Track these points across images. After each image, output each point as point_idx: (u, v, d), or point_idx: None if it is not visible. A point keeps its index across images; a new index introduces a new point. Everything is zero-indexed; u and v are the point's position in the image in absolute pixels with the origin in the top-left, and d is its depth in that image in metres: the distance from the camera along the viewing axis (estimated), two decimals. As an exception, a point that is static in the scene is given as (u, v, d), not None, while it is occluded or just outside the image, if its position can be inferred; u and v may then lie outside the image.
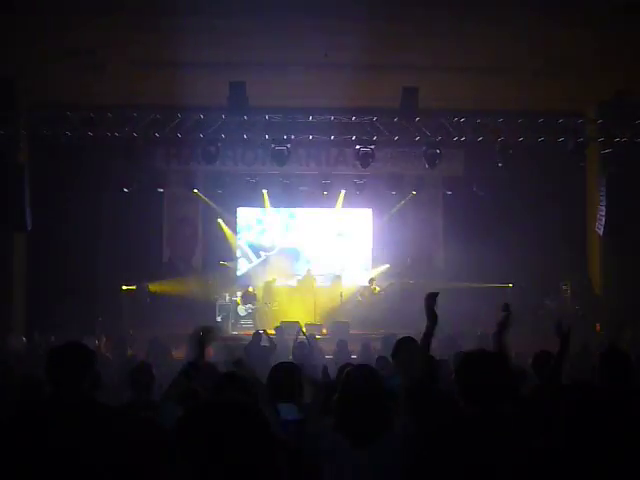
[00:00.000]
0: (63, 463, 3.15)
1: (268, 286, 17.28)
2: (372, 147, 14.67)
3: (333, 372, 5.52)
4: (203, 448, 1.59)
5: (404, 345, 4.80)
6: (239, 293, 17.14)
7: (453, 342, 10.42)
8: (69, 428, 3.24)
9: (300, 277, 17.84)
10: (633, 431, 3.13)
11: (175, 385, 3.98)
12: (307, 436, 3.42)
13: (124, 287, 16.70)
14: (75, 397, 3.40)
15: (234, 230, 18.62)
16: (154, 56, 13.18)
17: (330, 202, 18.21)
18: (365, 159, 14.82)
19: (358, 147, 14.80)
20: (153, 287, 16.84)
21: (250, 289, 17.05)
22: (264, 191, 17.93)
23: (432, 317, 3.98)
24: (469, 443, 2.92)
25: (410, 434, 3.26)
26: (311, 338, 12.62)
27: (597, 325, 14.94)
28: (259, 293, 17.20)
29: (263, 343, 11.12)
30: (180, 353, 11.70)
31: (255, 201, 18.21)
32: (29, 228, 14.33)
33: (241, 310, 16.68)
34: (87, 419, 3.33)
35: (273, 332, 12.06)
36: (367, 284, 17.24)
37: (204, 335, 4.10)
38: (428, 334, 3.98)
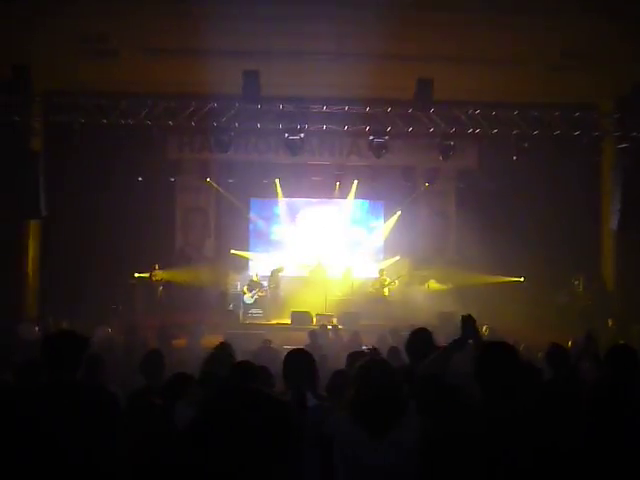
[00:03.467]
0: (50, 446, 3.20)
1: (275, 274, 17.28)
2: (386, 138, 14.61)
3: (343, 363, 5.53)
4: (228, 432, 1.60)
5: (418, 336, 4.79)
6: (243, 283, 17.16)
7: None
8: (60, 411, 3.31)
9: (311, 267, 17.83)
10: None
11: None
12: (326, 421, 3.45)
13: (136, 275, 16.77)
14: (68, 381, 3.48)
15: (246, 219, 18.63)
16: (168, 44, 13.19)
17: (343, 193, 18.18)
18: (378, 150, 14.77)
19: (372, 138, 14.75)
20: (164, 275, 16.89)
21: (255, 278, 17.06)
22: (277, 181, 17.92)
23: (477, 337, 4.06)
24: (481, 434, 2.92)
25: (424, 425, 3.26)
26: (322, 328, 12.68)
27: (609, 320, 14.86)
28: (269, 281, 17.21)
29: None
30: (182, 341, 11.78)
31: (268, 190, 18.21)
32: (43, 215, 14.40)
33: (247, 298, 16.72)
34: (79, 403, 3.39)
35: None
36: (377, 275, 17.21)
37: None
38: (459, 343, 4.06)
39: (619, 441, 3.03)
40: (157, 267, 16.90)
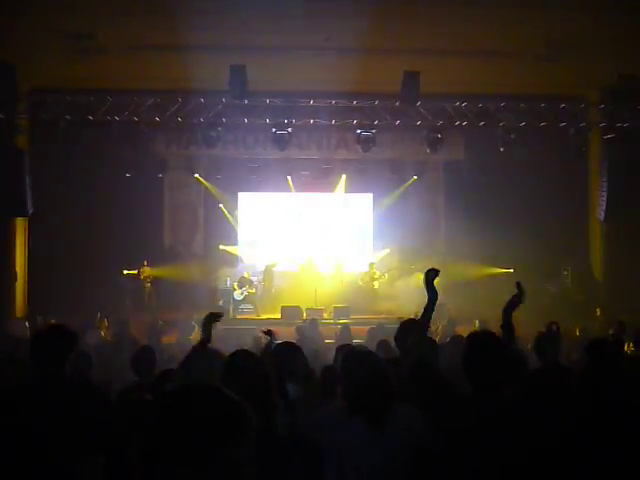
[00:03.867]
0: (35, 440, 3.21)
1: (269, 270, 17.29)
2: (373, 131, 14.65)
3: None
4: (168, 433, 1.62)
5: (407, 328, 4.80)
6: (233, 279, 17.14)
7: (452, 327, 10.45)
8: (48, 407, 3.31)
9: (301, 262, 17.83)
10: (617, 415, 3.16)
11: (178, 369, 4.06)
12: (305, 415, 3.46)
13: (125, 272, 16.72)
14: (56, 377, 3.49)
15: (235, 215, 18.60)
16: (154, 40, 13.11)
17: (331, 187, 18.18)
18: (366, 143, 14.81)
19: (359, 131, 14.78)
20: (153, 272, 16.85)
21: (245, 274, 17.04)
22: (265, 175, 17.89)
23: (432, 292, 4.01)
24: (470, 427, 2.94)
25: (414, 416, 3.28)
26: (314, 323, 12.69)
27: (597, 310, 14.96)
28: (262, 277, 17.20)
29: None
30: (172, 337, 11.77)
31: (256, 186, 18.18)
32: (30, 212, 14.33)
33: (237, 294, 16.71)
34: (66, 399, 3.40)
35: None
36: (367, 269, 17.24)
37: (209, 318, 4.25)
38: (428, 309, 4.01)
39: (603, 431, 3.06)
40: (145, 264, 16.85)
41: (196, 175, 17.84)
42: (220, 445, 1.59)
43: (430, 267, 4.13)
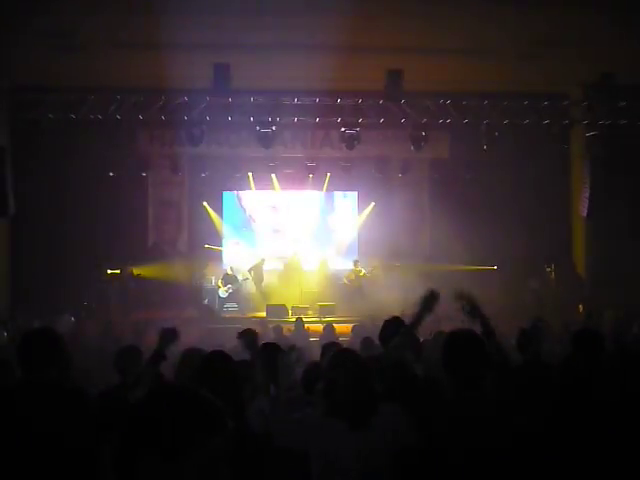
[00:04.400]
0: (26, 445, 3.19)
1: (258, 268, 17.24)
2: (357, 129, 14.67)
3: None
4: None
5: (391, 326, 4.82)
6: (218, 276, 17.10)
7: (437, 324, 10.44)
8: (37, 411, 3.29)
9: (286, 260, 17.81)
10: (603, 407, 3.18)
11: (143, 372, 4.06)
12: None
13: (109, 271, 16.61)
14: (44, 380, 3.46)
15: (220, 213, 18.55)
16: (137, 38, 13.05)
17: (316, 185, 18.17)
18: (350, 141, 14.83)
19: (343, 129, 14.80)
20: (137, 271, 16.77)
21: (229, 271, 17.00)
22: (249, 174, 17.85)
23: (427, 311, 4.04)
24: (452, 425, 2.94)
25: (397, 414, 3.27)
26: (299, 322, 12.68)
27: (580, 306, 15.08)
28: (252, 274, 17.13)
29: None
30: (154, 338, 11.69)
31: (240, 184, 18.14)
32: (12, 212, 14.21)
33: (222, 292, 16.67)
34: (55, 402, 3.37)
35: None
36: (352, 267, 17.25)
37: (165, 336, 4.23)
38: (418, 322, 4.05)
39: (585, 425, 3.08)
40: (128, 264, 16.70)
41: (180, 173, 17.75)
42: (192, 444, 1.60)
43: (432, 290, 4.17)
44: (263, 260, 17.40)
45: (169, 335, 4.24)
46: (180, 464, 1.59)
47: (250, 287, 17.09)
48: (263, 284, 17.17)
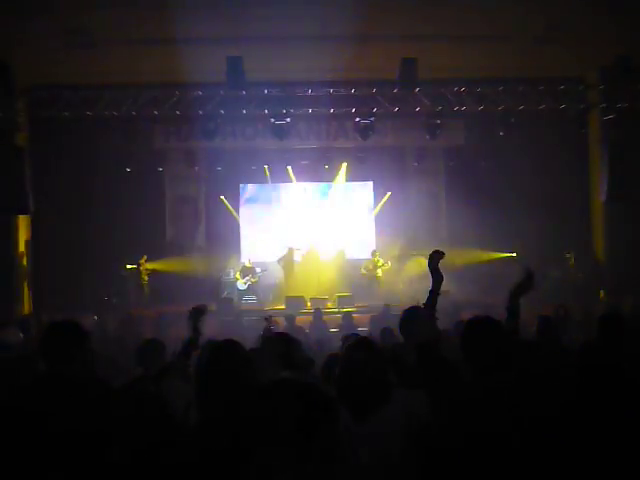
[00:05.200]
0: (51, 438, 3.20)
1: (288, 258, 17.13)
2: (372, 119, 14.63)
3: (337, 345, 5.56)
4: None
5: (410, 315, 4.81)
6: (237, 269, 17.13)
7: (457, 312, 10.44)
8: (62, 404, 3.29)
9: (304, 251, 17.78)
10: (628, 392, 3.16)
11: (174, 363, 4.07)
12: None
13: (128, 267, 16.72)
14: (68, 374, 3.47)
15: (237, 206, 18.59)
16: (150, 33, 13.07)
17: (331, 176, 18.16)
18: (365, 131, 14.80)
19: (358, 119, 14.76)
20: (150, 266, 16.81)
21: (248, 264, 17.03)
22: (265, 166, 17.88)
23: (437, 275, 3.99)
24: (473, 412, 2.94)
25: (417, 404, 3.27)
26: (318, 313, 12.70)
27: (601, 292, 14.96)
28: (283, 262, 17.10)
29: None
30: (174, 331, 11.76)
31: (257, 177, 18.17)
32: (32, 210, 14.34)
33: (241, 284, 16.73)
34: (79, 395, 3.38)
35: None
36: (370, 257, 17.24)
37: (195, 313, 4.24)
38: (434, 292, 4.00)
39: (609, 410, 3.06)
40: (145, 259, 16.77)
41: (196, 168, 17.82)
42: (313, 438, 1.60)
43: (434, 249, 4.11)
44: (292, 250, 17.32)
45: (198, 311, 4.27)
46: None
47: (269, 279, 17.12)
48: (287, 275, 17.09)
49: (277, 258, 17.26)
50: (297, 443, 1.59)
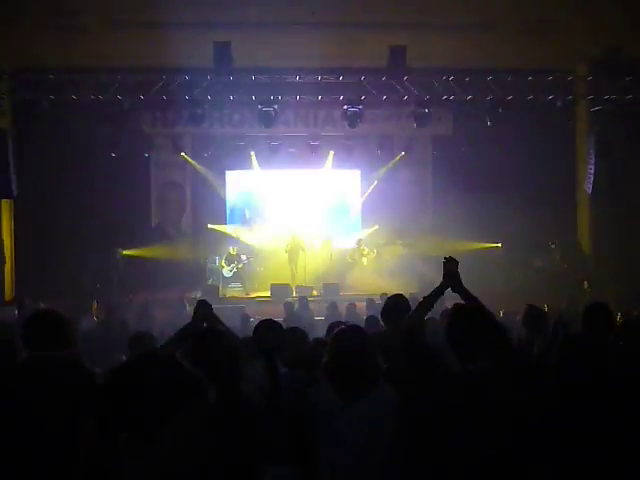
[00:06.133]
0: (30, 423, 3.21)
1: (294, 241, 16.97)
2: (360, 107, 14.57)
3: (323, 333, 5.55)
4: None
5: (393, 302, 4.83)
6: (222, 256, 17.03)
7: (441, 301, 10.41)
8: (40, 390, 3.30)
9: (287, 239, 17.48)
10: (614, 379, 3.17)
11: (166, 346, 4.06)
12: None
13: (120, 252, 16.48)
14: (49, 360, 3.48)
15: (223, 193, 18.50)
16: (137, 17, 12.93)
17: (319, 163, 18.10)
18: (353, 119, 14.74)
19: (346, 107, 14.70)
20: (127, 252, 16.64)
21: (232, 250, 16.92)
22: (252, 153, 17.78)
23: (447, 281, 4.04)
24: (458, 399, 2.94)
25: (398, 397, 3.29)
26: (303, 300, 12.71)
27: (585, 283, 15.05)
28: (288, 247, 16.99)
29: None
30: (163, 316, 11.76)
31: (243, 163, 18.07)
32: (15, 194, 14.21)
33: (226, 272, 16.67)
34: (59, 381, 3.38)
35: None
36: (356, 245, 17.22)
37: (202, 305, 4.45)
38: (437, 294, 4.03)
39: (596, 401, 3.07)
40: (124, 246, 16.57)
41: (182, 153, 17.69)
42: (172, 412, 1.62)
43: (449, 256, 4.12)
44: (294, 235, 17.09)
45: (205, 305, 4.47)
46: (162, 432, 1.61)
47: (254, 267, 17.07)
48: (291, 262, 16.85)
49: (284, 249, 16.97)
50: (147, 425, 1.62)
